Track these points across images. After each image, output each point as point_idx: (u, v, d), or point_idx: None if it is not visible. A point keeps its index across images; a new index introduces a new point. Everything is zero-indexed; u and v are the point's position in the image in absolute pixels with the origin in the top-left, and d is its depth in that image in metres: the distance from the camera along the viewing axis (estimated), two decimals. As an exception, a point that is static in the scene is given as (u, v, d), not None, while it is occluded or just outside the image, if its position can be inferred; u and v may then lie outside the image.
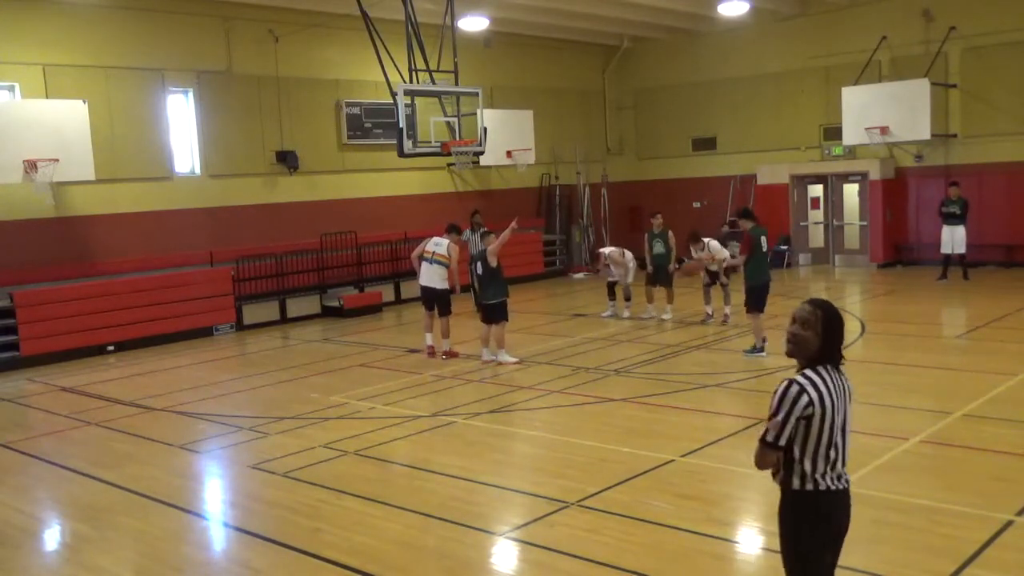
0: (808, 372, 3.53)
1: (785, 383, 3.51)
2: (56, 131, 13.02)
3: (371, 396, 10.09)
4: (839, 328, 3.59)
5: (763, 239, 11.19)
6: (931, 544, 5.36)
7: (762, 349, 11.03)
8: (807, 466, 3.53)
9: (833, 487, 3.56)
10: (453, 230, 12.48)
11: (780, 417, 3.47)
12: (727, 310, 13.51)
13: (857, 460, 6.90)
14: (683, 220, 18.63)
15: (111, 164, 14.59)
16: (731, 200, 21.83)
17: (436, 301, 12.16)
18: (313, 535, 6.03)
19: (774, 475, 3.65)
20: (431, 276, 12.12)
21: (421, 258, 12.22)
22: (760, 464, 3.60)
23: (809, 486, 3.54)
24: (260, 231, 16.85)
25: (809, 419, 3.48)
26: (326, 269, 17.15)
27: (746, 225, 11.29)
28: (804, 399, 3.45)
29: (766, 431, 3.52)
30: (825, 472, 3.54)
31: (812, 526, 3.58)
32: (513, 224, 11.92)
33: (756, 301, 11.08)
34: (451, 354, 12.05)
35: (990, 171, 18.52)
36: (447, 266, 12.07)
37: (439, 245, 12.13)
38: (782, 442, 3.50)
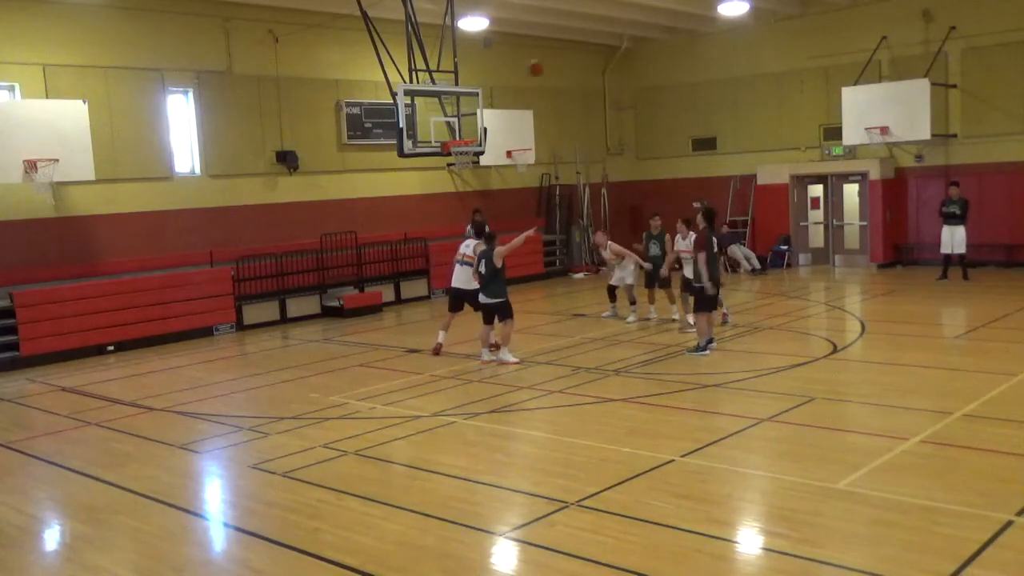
0: None
1: None
2: (56, 131, 13.01)
3: (371, 396, 10.09)
4: None
5: (714, 240, 11.54)
6: (931, 544, 5.35)
7: (705, 348, 11.29)
8: None
9: None
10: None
11: None
12: (726, 310, 13.51)
13: (856, 460, 6.94)
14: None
15: (111, 164, 14.60)
16: (731, 200, 21.84)
17: (466, 302, 12.23)
18: (313, 535, 6.03)
19: None
20: (461, 277, 12.20)
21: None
22: None
23: None
24: (260, 231, 16.85)
25: None
26: (326, 269, 17.14)
27: (700, 224, 11.53)
28: None
29: None
30: None
31: None
32: (530, 232, 11.99)
33: (705, 303, 11.41)
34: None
35: (990, 171, 18.52)
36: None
37: (469, 247, 12.20)
38: None
